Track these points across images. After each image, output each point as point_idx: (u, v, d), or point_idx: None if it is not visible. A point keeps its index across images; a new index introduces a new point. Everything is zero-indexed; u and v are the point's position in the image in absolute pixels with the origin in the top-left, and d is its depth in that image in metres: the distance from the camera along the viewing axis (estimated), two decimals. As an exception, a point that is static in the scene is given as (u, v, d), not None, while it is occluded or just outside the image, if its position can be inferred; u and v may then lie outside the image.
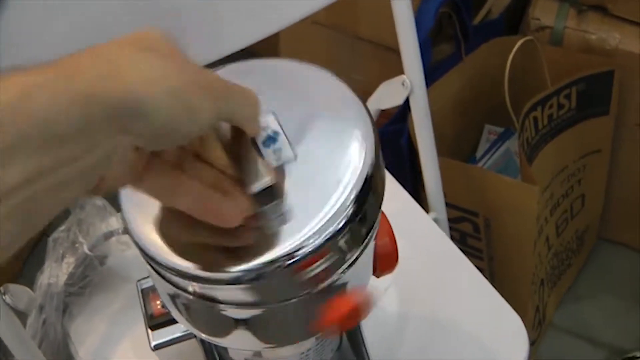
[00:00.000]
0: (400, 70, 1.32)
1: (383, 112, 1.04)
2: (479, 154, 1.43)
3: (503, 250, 1.27)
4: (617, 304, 1.48)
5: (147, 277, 0.75)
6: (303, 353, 0.65)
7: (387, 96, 0.96)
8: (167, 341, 0.71)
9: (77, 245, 0.85)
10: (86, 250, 0.85)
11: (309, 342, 0.64)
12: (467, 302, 0.87)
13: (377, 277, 0.62)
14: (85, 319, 0.86)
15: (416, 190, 1.18)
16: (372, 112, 0.99)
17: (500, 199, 1.18)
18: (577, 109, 1.27)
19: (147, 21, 0.72)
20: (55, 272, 0.85)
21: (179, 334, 0.71)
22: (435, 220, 1.02)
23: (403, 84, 0.92)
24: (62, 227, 0.86)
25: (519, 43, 1.16)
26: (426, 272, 0.89)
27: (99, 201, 0.87)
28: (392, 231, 0.62)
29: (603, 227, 1.51)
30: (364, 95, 1.49)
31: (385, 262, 0.63)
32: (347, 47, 1.40)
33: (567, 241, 1.45)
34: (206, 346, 0.72)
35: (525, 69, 1.26)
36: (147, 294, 0.73)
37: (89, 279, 0.86)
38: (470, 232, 1.28)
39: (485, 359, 0.81)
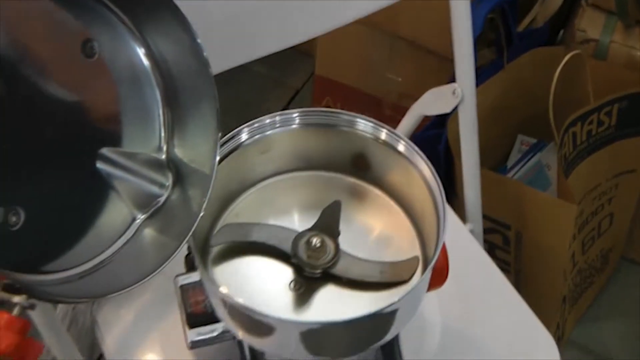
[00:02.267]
0: (437, 73, 1.31)
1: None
2: (510, 163, 1.40)
3: (532, 265, 1.25)
4: (636, 326, 1.45)
5: (185, 272, 0.74)
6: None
7: (435, 103, 0.94)
8: (205, 340, 0.69)
9: None
10: None
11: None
12: (499, 318, 0.86)
13: (427, 291, 0.65)
14: (114, 307, 0.84)
15: (449, 197, 1.15)
16: (415, 118, 0.99)
17: (535, 214, 1.15)
18: (616, 126, 1.24)
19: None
20: None
21: (216, 334, 0.70)
22: (471, 232, 1.00)
23: (454, 93, 0.89)
24: None
25: (567, 57, 1.13)
26: (460, 285, 0.87)
27: None
28: (445, 250, 0.62)
29: (628, 247, 1.48)
30: (397, 95, 1.49)
31: (437, 278, 0.63)
32: (384, 46, 1.38)
33: (592, 259, 1.42)
34: (243, 347, 0.70)
35: (567, 81, 1.23)
36: (186, 291, 0.71)
37: None
38: (500, 244, 1.25)
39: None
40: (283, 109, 1.68)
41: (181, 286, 0.71)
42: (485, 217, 1.13)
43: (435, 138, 1.18)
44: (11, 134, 0.58)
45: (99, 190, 0.65)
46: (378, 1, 0.84)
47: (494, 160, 1.39)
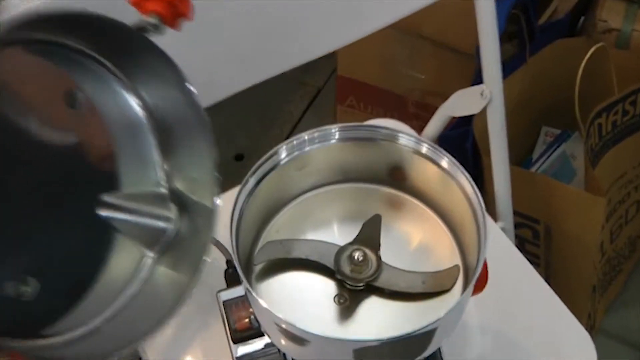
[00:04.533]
0: (459, 70, 1.31)
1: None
2: (535, 155, 1.41)
3: (562, 257, 1.25)
4: (665, 311, 1.45)
5: (227, 288, 0.75)
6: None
7: (462, 104, 0.94)
8: (250, 354, 0.71)
9: None
10: None
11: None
12: (535, 315, 0.86)
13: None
14: None
15: (477, 194, 1.15)
16: (443, 119, 0.99)
17: (564, 208, 1.15)
18: (641, 115, 1.24)
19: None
20: None
21: (261, 348, 0.71)
22: (503, 230, 1.01)
23: (482, 94, 0.90)
24: None
25: (591, 50, 1.13)
26: (495, 284, 0.87)
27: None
28: (484, 260, 0.62)
29: (655, 233, 1.47)
30: (420, 92, 1.49)
31: (477, 286, 0.64)
32: (406, 44, 1.38)
33: (620, 247, 1.42)
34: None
35: (591, 73, 1.23)
36: (229, 307, 0.72)
37: None
38: (529, 238, 1.25)
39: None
40: (305, 110, 1.70)
41: (224, 302, 0.72)
42: (514, 212, 1.13)
43: (461, 136, 1.19)
44: (5, 194, 0.56)
45: (104, 237, 0.63)
46: (401, 10, 0.84)
47: (519, 154, 1.39)
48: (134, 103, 0.65)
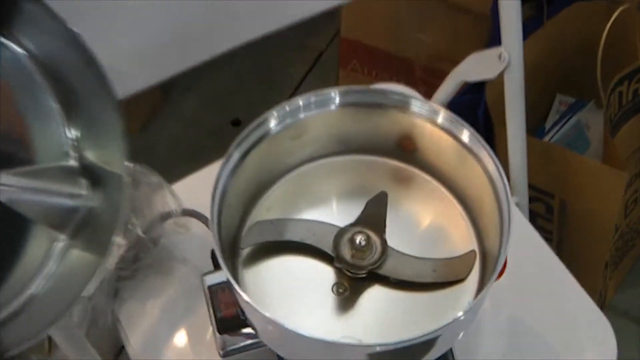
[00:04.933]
0: (470, 32, 1.23)
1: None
2: (548, 124, 1.34)
3: (577, 233, 1.19)
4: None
5: (213, 271, 0.67)
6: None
7: (478, 68, 0.87)
8: (238, 348, 0.63)
9: (130, 227, 0.76)
10: (140, 233, 0.76)
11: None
12: (548, 294, 0.79)
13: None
14: (137, 304, 0.77)
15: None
16: (455, 84, 0.91)
17: (582, 182, 1.09)
18: (663, 83, 1.16)
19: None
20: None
21: (251, 342, 0.63)
22: (517, 205, 0.94)
23: (500, 57, 0.81)
24: None
25: (617, 11, 1.05)
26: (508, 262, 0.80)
27: (155, 178, 0.78)
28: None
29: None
30: (428, 56, 1.41)
31: None
32: (415, 4, 1.30)
33: (634, 222, 1.37)
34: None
35: (613, 37, 1.15)
36: (215, 293, 0.64)
37: (141, 261, 0.78)
38: (542, 213, 1.19)
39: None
40: (306, 74, 1.62)
41: (209, 287, 0.65)
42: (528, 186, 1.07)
43: (473, 103, 1.11)
44: None
45: (17, 222, 0.56)
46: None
47: (531, 122, 1.31)
48: (20, 54, 0.56)
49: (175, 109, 1.57)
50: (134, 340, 0.75)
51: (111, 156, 0.57)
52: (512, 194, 0.96)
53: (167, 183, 0.80)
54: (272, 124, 0.60)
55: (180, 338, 0.75)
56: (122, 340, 0.78)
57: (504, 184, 0.54)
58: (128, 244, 0.78)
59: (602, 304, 1.33)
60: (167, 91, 1.58)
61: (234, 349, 0.63)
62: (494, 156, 0.56)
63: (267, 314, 0.50)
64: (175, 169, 0.84)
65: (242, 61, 1.56)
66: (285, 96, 1.53)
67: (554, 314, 0.76)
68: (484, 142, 0.56)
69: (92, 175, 0.58)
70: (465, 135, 0.58)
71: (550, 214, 1.20)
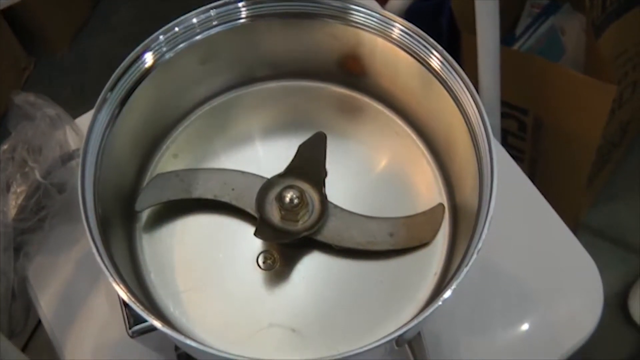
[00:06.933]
0: None
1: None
2: (519, 30, 1.23)
3: (554, 152, 1.11)
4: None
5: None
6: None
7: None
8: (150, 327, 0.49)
9: (26, 170, 0.67)
10: (39, 178, 0.66)
11: None
12: (518, 220, 0.65)
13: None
14: (46, 258, 0.66)
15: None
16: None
17: (561, 96, 1.00)
18: (650, -21, 1.07)
19: None
20: (0, 206, 0.68)
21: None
22: None
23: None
24: (5, 147, 0.67)
25: None
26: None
27: (52, 110, 0.66)
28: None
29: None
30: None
31: None
32: None
33: (611, 134, 1.30)
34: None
35: None
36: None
37: (46, 211, 0.67)
38: (514, 130, 1.11)
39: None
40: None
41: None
42: (500, 102, 0.96)
43: (436, 9, 1.01)
44: None
45: None
46: None
47: (500, 29, 1.22)
48: None
49: (105, 21, 1.47)
50: (45, 301, 0.64)
51: None
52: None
53: (69, 116, 0.67)
54: (159, 53, 0.45)
55: (96, 293, 0.63)
56: (32, 301, 0.67)
57: (484, 125, 0.40)
58: (27, 189, 0.68)
59: (576, 224, 1.27)
60: (96, 2, 1.49)
61: (144, 328, 0.50)
62: (471, 86, 0.41)
63: (145, 314, 0.36)
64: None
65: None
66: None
67: (519, 233, 0.63)
68: (455, 65, 0.42)
69: None
70: (430, 53, 0.43)
71: (523, 132, 1.12)
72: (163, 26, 0.45)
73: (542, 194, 0.68)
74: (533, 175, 1.19)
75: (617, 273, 1.30)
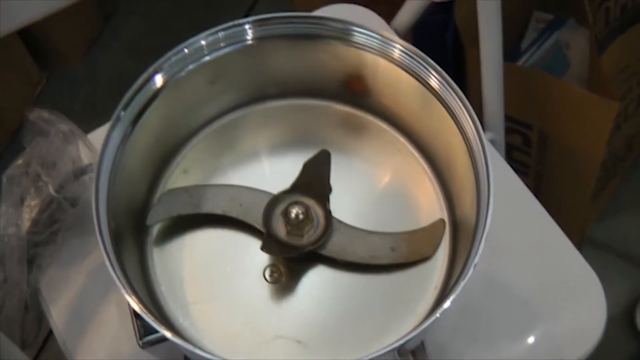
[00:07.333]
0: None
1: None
2: (524, 44, 1.24)
3: (558, 167, 1.11)
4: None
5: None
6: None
7: (446, -16, 0.73)
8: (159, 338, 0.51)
9: (40, 184, 0.67)
10: (52, 192, 0.67)
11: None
12: (523, 234, 0.66)
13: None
14: (58, 271, 0.67)
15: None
16: (419, 3, 0.78)
17: (566, 112, 1.00)
18: (654, -4, 1.08)
19: None
20: (14, 219, 0.68)
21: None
22: (492, 142, 0.85)
23: (471, -31, 0.68)
24: (19, 162, 0.68)
25: None
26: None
27: (65, 125, 0.67)
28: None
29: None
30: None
31: None
32: None
33: (616, 148, 1.30)
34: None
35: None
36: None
37: (59, 224, 0.68)
38: (519, 145, 1.11)
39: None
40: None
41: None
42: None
43: (442, 25, 1.02)
44: None
45: None
46: None
47: (505, 43, 1.22)
48: None
49: (117, 36, 1.48)
50: (57, 313, 0.65)
51: None
52: (486, 128, 0.85)
53: (82, 132, 0.69)
54: (170, 74, 0.47)
55: (106, 306, 0.64)
56: (45, 313, 0.68)
57: (481, 143, 0.41)
58: (40, 203, 0.68)
59: (582, 239, 1.27)
60: (108, 16, 1.50)
61: (155, 339, 0.51)
62: (469, 105, 0.42)
63: (155, 323, 0.38)
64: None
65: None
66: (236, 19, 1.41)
67: (532, 260, 0.63)
68: (454, 84, 0.43)
69: None
70: (430, 74, 0.45)
71: (527, 147, 1.12)
72: (174, 40, 0.47)
73: (548, 208, 0.68)
74: (538, 189, 1.19)
75: (623, 287, 1.29)
